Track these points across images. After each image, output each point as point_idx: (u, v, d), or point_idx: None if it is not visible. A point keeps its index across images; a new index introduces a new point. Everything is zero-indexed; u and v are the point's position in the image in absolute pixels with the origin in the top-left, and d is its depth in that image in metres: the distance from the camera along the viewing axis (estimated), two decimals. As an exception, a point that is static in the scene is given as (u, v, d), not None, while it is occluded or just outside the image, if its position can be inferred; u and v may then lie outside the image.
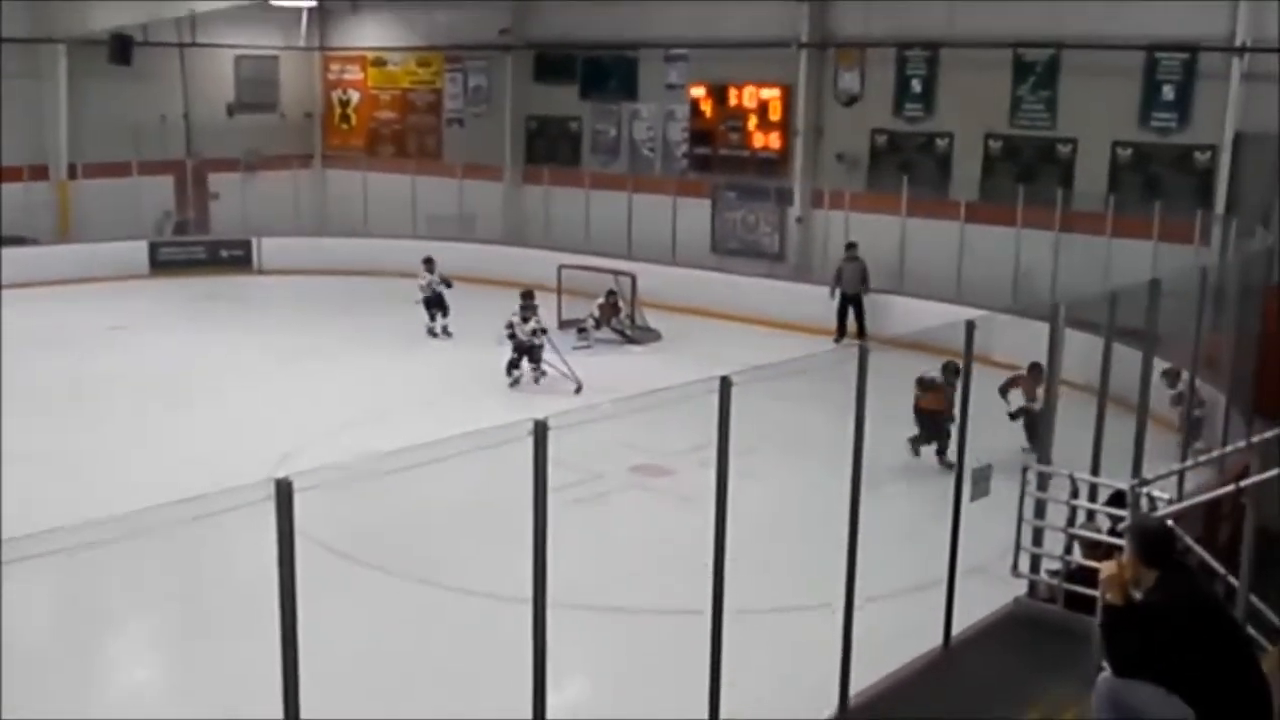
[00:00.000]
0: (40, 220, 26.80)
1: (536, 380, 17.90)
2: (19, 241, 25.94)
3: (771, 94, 24.12)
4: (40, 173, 27.08)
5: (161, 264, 27.03)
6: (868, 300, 21.28)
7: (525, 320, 17.99)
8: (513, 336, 18.06)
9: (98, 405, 16.98)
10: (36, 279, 24.60)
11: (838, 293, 21.42)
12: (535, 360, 17.94)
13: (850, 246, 21.71)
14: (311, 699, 5.09)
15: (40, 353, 19.58)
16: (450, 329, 21.32)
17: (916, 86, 22.42)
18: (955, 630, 8.86)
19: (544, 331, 18.20)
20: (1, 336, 17.52)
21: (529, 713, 6.03)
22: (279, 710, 5.05)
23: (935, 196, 21.91)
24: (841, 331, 21.21)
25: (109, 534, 4.56)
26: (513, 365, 18.00)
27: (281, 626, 4.91)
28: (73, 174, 27.44)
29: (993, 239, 20.87)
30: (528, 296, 18.57)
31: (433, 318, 21.19)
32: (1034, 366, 13.08)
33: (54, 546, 4.47)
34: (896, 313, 20.17)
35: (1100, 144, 20.26)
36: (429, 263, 21.32)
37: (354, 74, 31.55)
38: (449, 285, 21.24)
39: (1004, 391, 14.37)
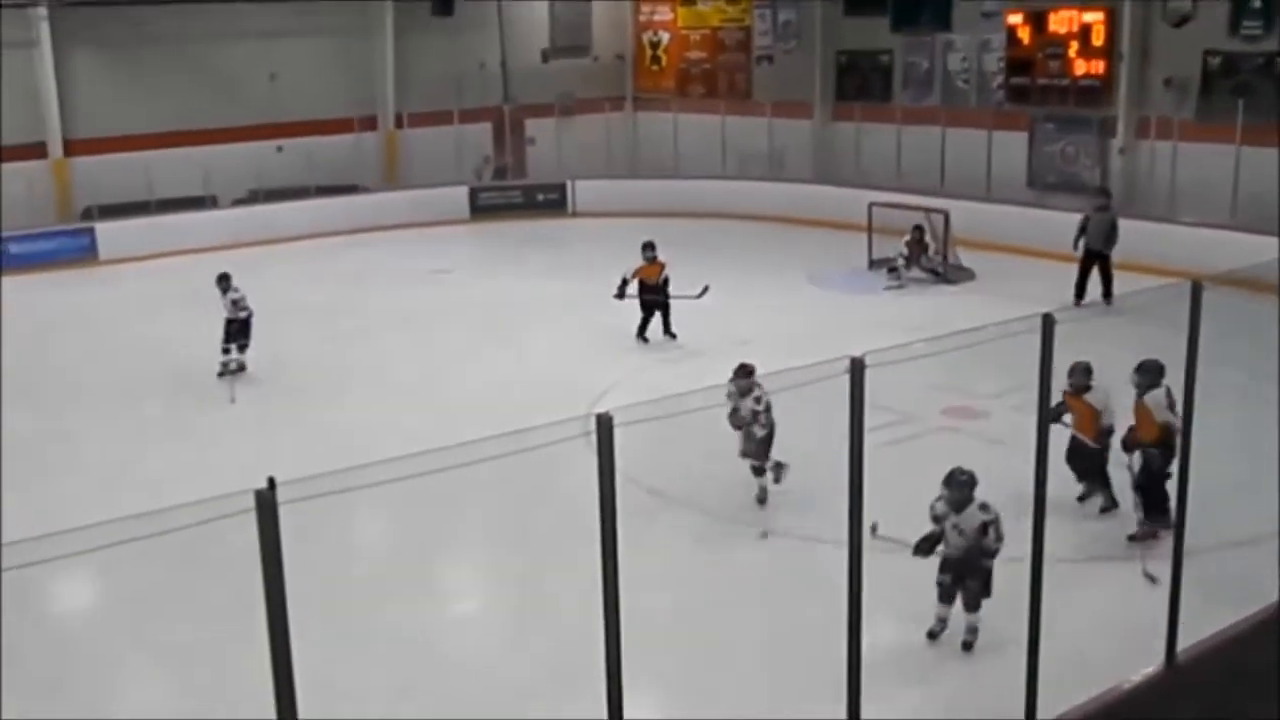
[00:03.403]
0: (369, 169, 28.29)
1: None
2: (351, 190, 27.47)
3: (1094, 17, 22.98)
4: (369, 123, 28.53)
5: (481, 209, 28.03)
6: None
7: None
8: None
9: (428, 336, 18.04)
10: (366, 225, 26.03)
11: (1081, 245, 18.92)
12: None
13: (1102, 193, 19.89)
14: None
15: (369, 293, 20.82)
16: (244, 363, 16.10)
17: (1256, 1, 20.88)
18: (1292, 588, 8.35)
19: None
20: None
21: (843, 651, 6.04)
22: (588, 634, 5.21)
23: (1275, 122, 20.39)
24: (1081, 292, 18.63)
25: (442, 463, 4.78)
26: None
27: (602, 561, 5.01)
28: (399, 123, 28.78)
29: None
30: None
31: (227, 350, 16.02)
32: (1077, 371, 10.76)
33: (401, 473, 4.76)
34: (1230, 249, 18.92)
35: None
36: (224, 280, 16.16)
37: (664, 15, 31.77)
38: (245, 312, 15.99)
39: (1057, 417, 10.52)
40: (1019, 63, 24.22)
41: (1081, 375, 10.79)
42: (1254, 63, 21.02)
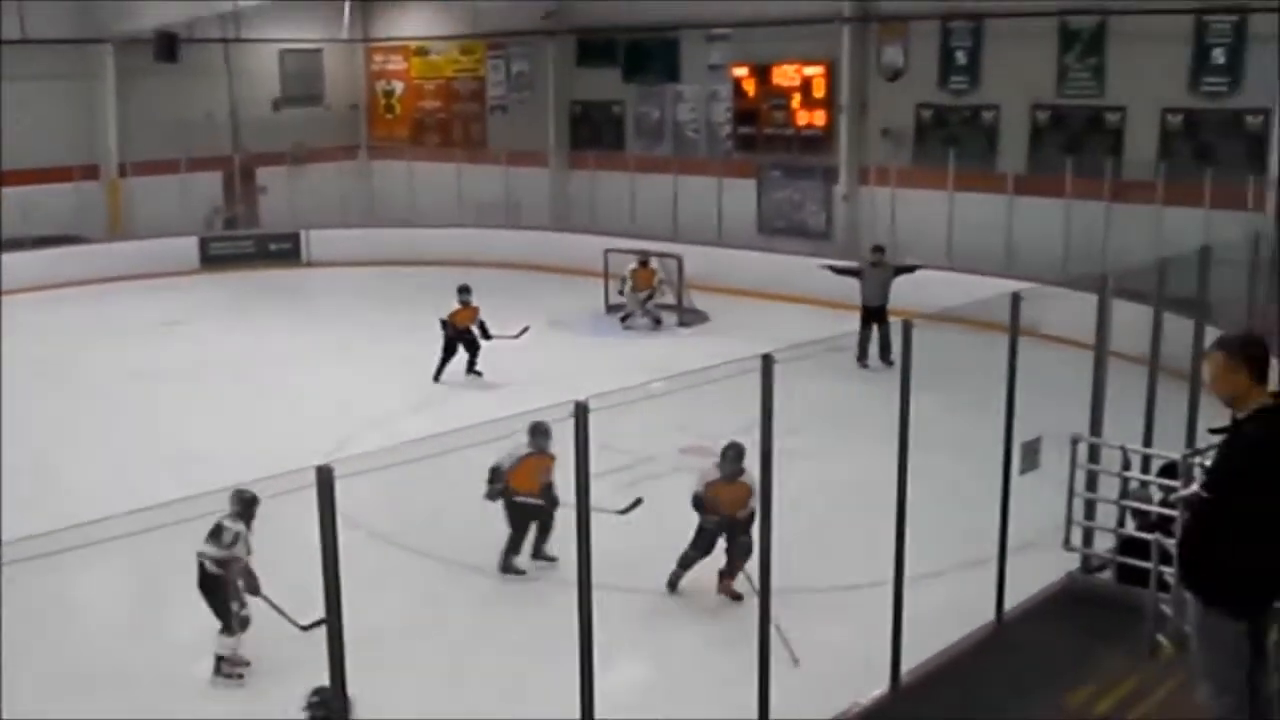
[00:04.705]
0: (92, 219, 27.11)
1: None
2: (71, 240, 26.27)
3: (815, 71, 24.01)
4: (91, 172, 27.38)
5: (212, 259, 27.28)
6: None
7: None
8: None
9: (155, 395, 17.26)
10: (89, 277, 24.93)
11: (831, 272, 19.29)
12: None
13: (877, 250, 19.00)
14: (355, 678, 5.21)
15: (93, 349, 19.89)
16: None
17: (961, 59, 22.22)
18: (1008, 606, 8.79)
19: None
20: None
21: (576, 694, 6.06)
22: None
23: (982, 170, 21.72)
24: (864, 353, 18.10)
25: (163, 519, 4.66)
26: None
27: (326, 607, 5.00)
28: (123, 172, 27.71)
29: (1042, 211, 20.69)
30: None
31: None
32: (729, 450, 10.35)
33: (112, 533, 4.60)
34: (945, 288, 19.93)
35: (1150, 111, 20.00)
36: None
37: (397, 64, 31.66)
38: None
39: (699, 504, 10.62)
40: (745, 114, 25.08)
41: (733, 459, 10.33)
42: (962, 115, 22.35)
